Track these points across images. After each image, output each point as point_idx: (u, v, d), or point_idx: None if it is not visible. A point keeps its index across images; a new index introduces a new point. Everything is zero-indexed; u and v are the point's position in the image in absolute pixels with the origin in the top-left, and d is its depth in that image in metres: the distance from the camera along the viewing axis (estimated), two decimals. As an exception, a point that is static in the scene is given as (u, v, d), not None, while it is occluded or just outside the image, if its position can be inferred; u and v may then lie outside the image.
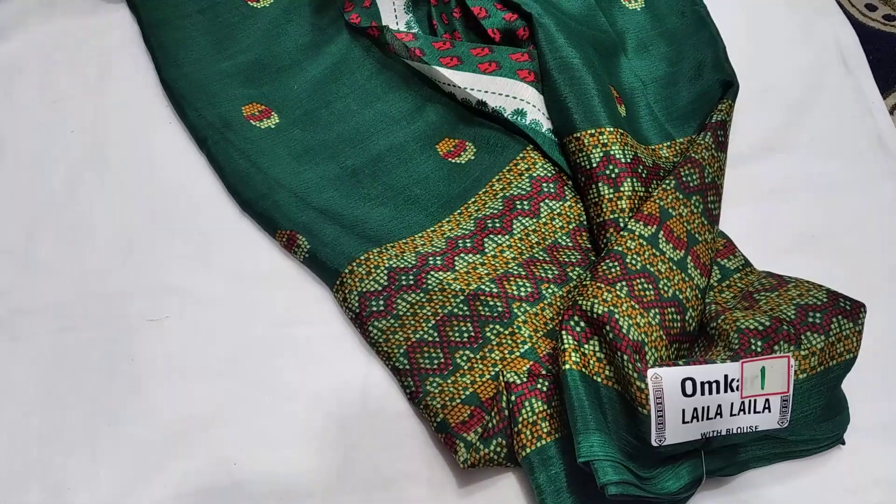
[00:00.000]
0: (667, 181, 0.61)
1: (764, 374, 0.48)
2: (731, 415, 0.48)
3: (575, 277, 0.62)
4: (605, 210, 0.62)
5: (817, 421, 0.55)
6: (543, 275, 0.62)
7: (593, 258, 0.63)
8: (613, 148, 0.63)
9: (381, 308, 0.60)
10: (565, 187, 0.66)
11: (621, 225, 0.61)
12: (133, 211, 0.66)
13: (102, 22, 0.77)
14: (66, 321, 0.61)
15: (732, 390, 0.48)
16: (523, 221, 0.64)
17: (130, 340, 0.60)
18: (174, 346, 0.60)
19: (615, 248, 0.58)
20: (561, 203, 0.65)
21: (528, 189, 0.66)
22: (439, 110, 0.72)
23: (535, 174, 0.66)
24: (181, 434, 0.57)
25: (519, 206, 0.65)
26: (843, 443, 0.57)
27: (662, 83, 0.74)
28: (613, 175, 0.62)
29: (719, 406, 0.48)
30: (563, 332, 0.53)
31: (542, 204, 0.65)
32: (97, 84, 0.73)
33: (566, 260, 0.63)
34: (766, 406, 0.49)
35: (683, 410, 0.48)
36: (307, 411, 0.58)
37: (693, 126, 0.70)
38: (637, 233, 0.58)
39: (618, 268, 0.56)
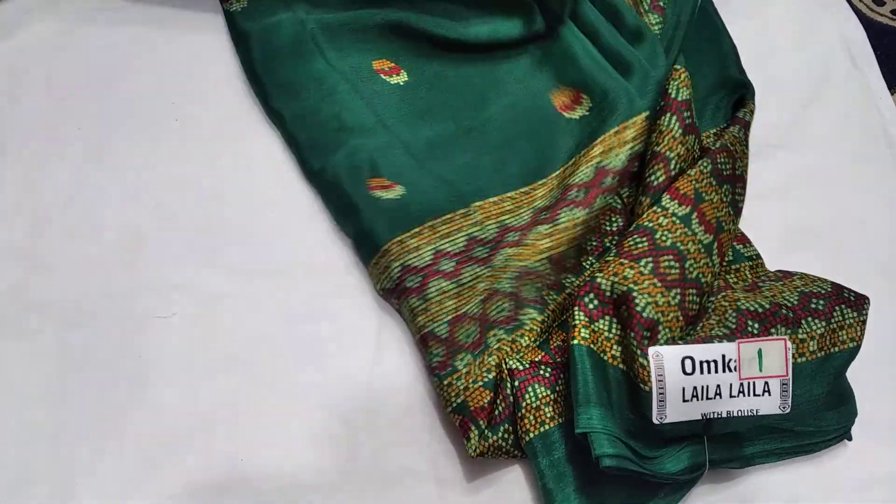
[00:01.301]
0: (704, 163, 0.61)
1: (761, 355, 0.49)
2: (731, 396, 0.48)
3: (588, 266, 0.62)
4: (664, 143, 0.62)
5: (821, 410, 0.55)
6: (565, 263, 0.61)
7: (608, 243, 0.63)
8: (695, 104, 0.64)
9: (451, 269, 0.59)
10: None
11: (671, 167, 0.61)
12: (139, 208, 0.67)
13: (109, 19, 0.77)
14: (73, 318, 0.61)
15: (730, 370, 0.48)
16: (607, 198, 0.62)
17: (137, 337, 0.60)
18: (181, 343, 0.60)
19: (646, 223, 0.57)
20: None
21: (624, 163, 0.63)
22: (561, 61, 0.71)
23: (636, 150, 0.63)
24: (188, 430, 0.57)
25: (607, 183, 0.63)
26: (850, 438, 0.57)
27: None
28: (687, 122, 0.63)
29: (718, 386, 0.48)
30: (576, 308, 0.53)
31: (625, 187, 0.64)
32: (104, 82, 0.73)
33: (584, 247, 0.62)
34: (766, 389, 0.49)
35: (683, 388, 0.48)
36: (313, 408, 0.58)
37: (703, 125, 0.69)
38: (671, 210, 0.58)
39: (645, 243, 0.56)
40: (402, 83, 0.70)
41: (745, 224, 0.66)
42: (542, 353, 0.56)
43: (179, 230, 0.65)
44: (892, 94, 0.77)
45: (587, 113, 0.67)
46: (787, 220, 0.68)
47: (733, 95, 0.70)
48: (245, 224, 0.66)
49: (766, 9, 0.81)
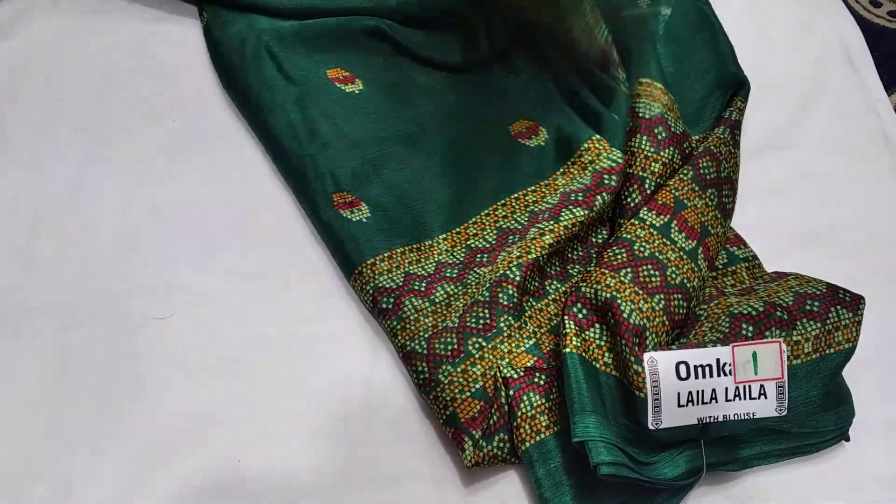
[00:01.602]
0: (684, 171, 0.62)
1: (756, 359, 0.49)
2: (727, 400, 0.49)
3: (575, 274, 0.62)
4: (637, 164, 0.63)
5: (818, 411, 0.55)
6: (549, 270, 0.62)
7: (594, 253, 0.63)
8: (669, 115, 0.64)
9: (423, 289, 0.60)
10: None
11: (645, 186, 0.62)
12: (137, 209, 0.67)
13: (107, 20, 0.77)
14: (70, 319, 0.61)
15: (725, 374, 0.48)
16: (574, 211, 0.62)
17: (134, 338, 0.60)
18: (178, 344, 0.60)
19: (624, 235, 0.58)
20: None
21: (588, 182, 0.64)
22: (519, 94, 0.72)
23: (598, 166, 0.64)
24: (185, 432, 0.57)
25: (573, 198, 0.63)
26: (848, 438, 0.57)
27: (670, 81, 0.73)
28: (660, 137, 0.63)
29: (714, 390, 0.48)
30: (566, 318, 0.54)
31: (597, 197, 0.63)
32: (102, 82, 0.73)
33: (569, 256, 0.63)
34: (762, 392, 0.49)
35: (678, 394, 0.48)
36: (311, 409, 0.58)
37: (703, 125, 0.70)
38: (648, 222, 0.59)
39: (624, 254, 0.56)
40: (357, 91, 0.71)
41: (744, 225, 0.66)
42: (535, 358, 0.56)
43: (177, 231, 0.66)
44: (888, 94, 0.77)
45: (543, 143, 0.69)
46: (786, 221, 0.68)
47: (726, 85, 0.71)
48: (242, 225, 0.66)
49: (763, 10, 0.81)
